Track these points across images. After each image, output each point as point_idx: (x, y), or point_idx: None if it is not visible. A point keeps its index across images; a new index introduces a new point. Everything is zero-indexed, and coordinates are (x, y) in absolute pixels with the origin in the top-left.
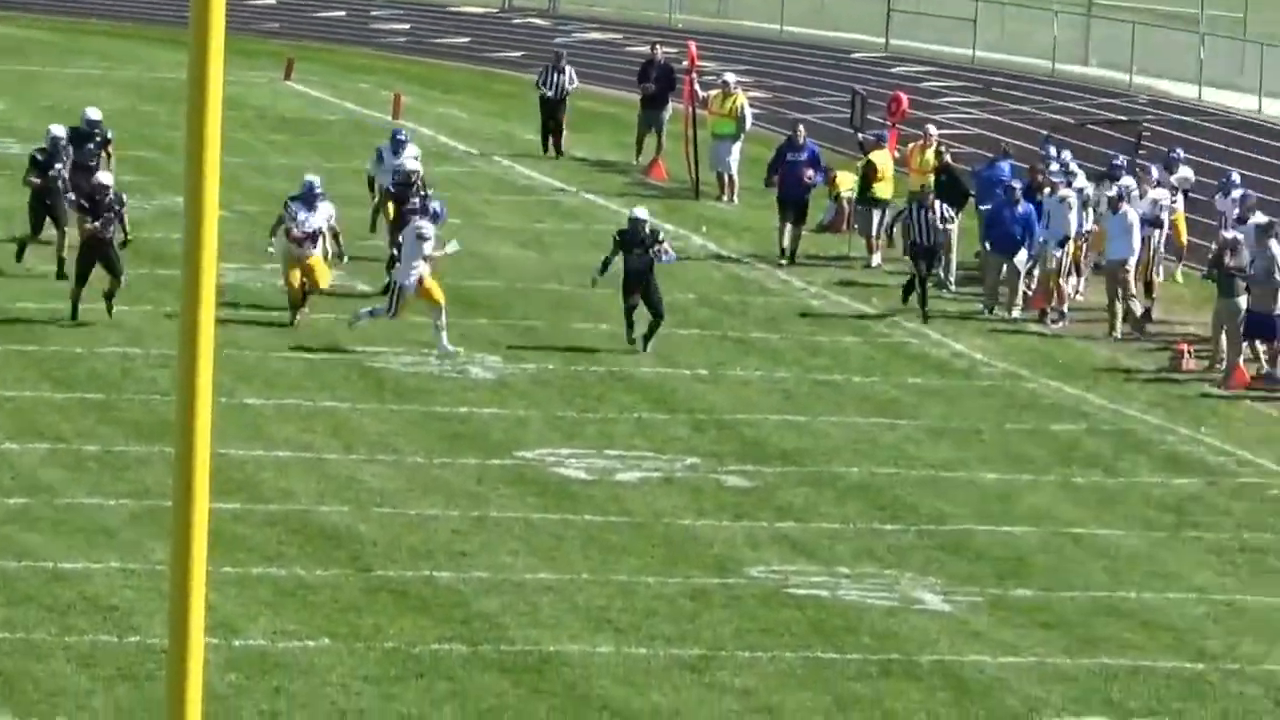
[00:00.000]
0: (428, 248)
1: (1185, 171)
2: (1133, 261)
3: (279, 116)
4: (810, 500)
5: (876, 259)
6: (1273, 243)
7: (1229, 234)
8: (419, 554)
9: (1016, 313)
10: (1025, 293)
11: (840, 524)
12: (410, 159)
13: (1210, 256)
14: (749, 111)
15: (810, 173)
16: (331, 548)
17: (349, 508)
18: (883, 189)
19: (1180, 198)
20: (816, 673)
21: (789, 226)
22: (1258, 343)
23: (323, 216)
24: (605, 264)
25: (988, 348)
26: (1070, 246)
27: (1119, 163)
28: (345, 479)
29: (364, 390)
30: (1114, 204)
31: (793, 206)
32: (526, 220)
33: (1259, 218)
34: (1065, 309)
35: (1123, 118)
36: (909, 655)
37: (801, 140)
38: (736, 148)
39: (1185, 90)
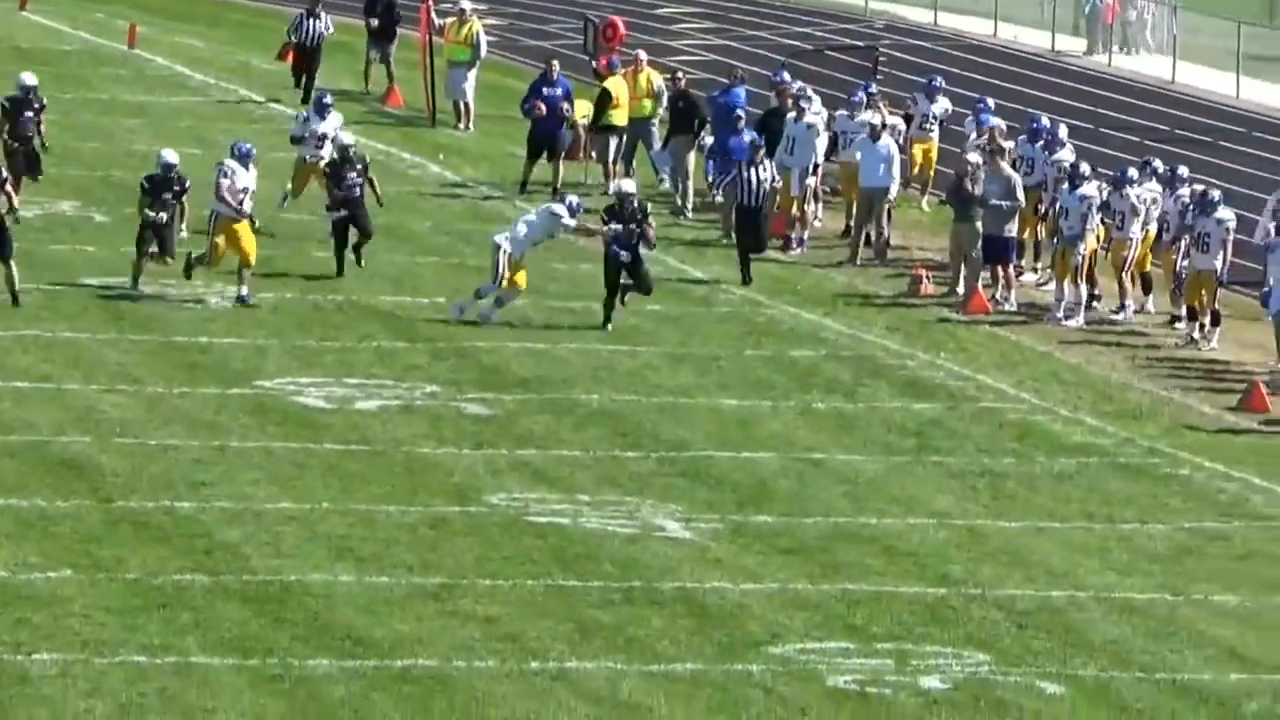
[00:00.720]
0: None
1: (945, 102)
2: (895, 191)
3: (15, 47)
4: (550, 428)
5: (613, 185)
6: (1005, 165)
7: (970, 158)
8: (160, 484)
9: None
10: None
11: (580, 451)
12: (336, 127)
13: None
14: (484, 39)
15: (566, 106)
16: (72, 478)
17: (89, 438)
18: (618, 115)
19: (937, 127)
20: (558, 600)
21: (542, 161)
22: (998, 268)
23: (253, 177)
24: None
25: (725, 274)
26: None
27: (872, 91)
28: (85, 409)
29: (103, 321)
30: (875, 133)
31: (547, 141)
32: (264, 149)
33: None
34: (805, 236)
35: (859, 44)
36: (650, 582)
37: (555, 76)
38: (472, 75)
39: (921, 15)
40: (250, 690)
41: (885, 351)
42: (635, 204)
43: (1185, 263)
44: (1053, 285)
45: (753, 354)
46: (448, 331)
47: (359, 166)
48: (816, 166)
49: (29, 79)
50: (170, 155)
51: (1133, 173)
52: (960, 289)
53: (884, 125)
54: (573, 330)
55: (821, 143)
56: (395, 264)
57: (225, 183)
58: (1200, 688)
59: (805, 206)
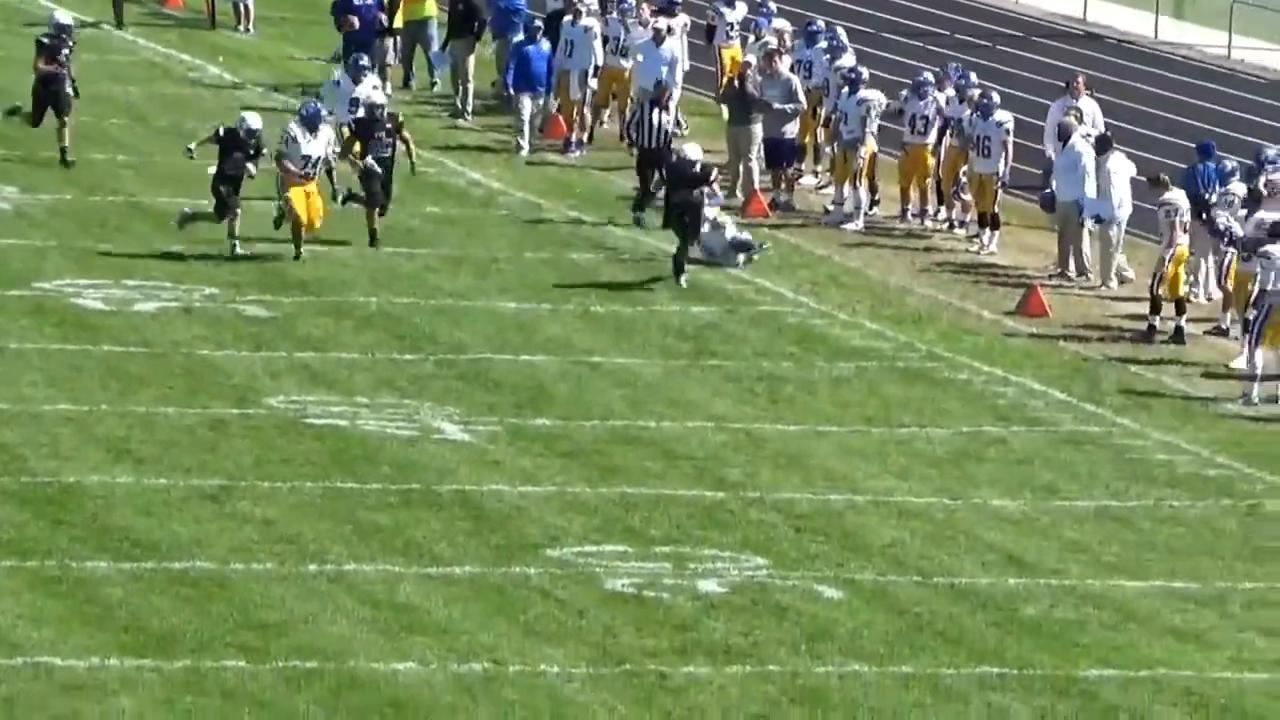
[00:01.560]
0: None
1: (743, 8)
2: (678, 94)
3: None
4: (329, 330)
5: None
6: (783, 68)
7: (749, 59)
8: None
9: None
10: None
11: (359, 354)
12: (372, 89)
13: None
14: None
15: (382, 16)
16: None
17: None
18: (418, 10)
19: (738, 33)
20: (337, 502)
21: None
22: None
23: (323, 142)
24: (644, 204)
25: (505, 177)
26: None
27: None
28: None
29: None
30: (659, 37)
31: (362, 48)
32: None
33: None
34: (586, 138)
35: None
36: (429, 485)
37: None
38: None
39: None
40: (29, 592)
41: (664, 255)
42: (699, 169)
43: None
44: (832, 189)
45: (532, 256)
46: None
47: (388, 126)
48: (597, 69)
49: (62, 18)
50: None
51: (928, 76)
52: (739, 192)
53: (668, 30)
54: (352, 233)
55: (599, 45)
56: (174, 165)
57: (288, 150)
58: (978, 591)
59: (585, 110)
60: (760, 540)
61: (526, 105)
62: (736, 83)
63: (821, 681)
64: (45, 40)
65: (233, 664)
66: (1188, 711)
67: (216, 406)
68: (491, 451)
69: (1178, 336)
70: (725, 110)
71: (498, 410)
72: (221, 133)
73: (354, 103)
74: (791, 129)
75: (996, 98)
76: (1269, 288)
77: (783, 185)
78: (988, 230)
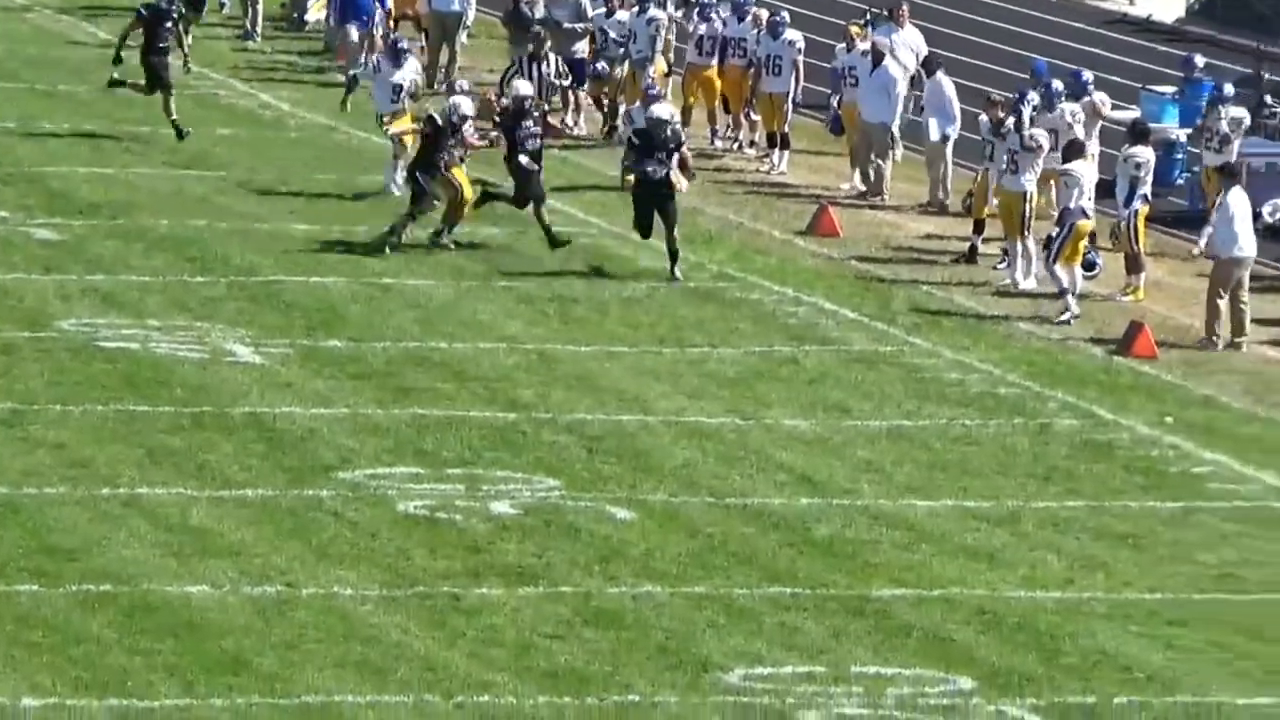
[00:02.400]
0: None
1: None
2: (471, 16)
3: None
4: (119, 253)
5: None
6: None
7: None
8: None
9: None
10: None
11: (150, 276)
12: (413, 73)
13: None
14: None
15: None
16: None
17: None
18: None
19: None
20: (129, 425)
21: None
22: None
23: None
24: (626, 171)
25: (296, 98)
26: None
27: None
28: None
29: None
30: None
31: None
32: None
33: None
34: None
35: None
36: (221, 408)
37: None
38: None
39: None
40: None
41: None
42: (669, 131)
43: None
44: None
45: (323, 178)
46: (16, 156)
47: (535, 115)
48: None
49: None
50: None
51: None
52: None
53: None
54: (142, 155)
55: None
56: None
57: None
58: (770, 512)
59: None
60: (552, 461)
61: (353, 33)
62: (512, 3)
63: (614, 602)
64: (144, 12)
65: (26, 588)
66: (980, 629)
67: (7, 330)
68: (283, 373)
69: (971, 256)
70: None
71: (289, 332)
72: (439, 122)
73: (396, 90)
74: (582, 48)
75: (786, 17)
76: (1070, 205)
77: (573, 106)
78: (778, 150)
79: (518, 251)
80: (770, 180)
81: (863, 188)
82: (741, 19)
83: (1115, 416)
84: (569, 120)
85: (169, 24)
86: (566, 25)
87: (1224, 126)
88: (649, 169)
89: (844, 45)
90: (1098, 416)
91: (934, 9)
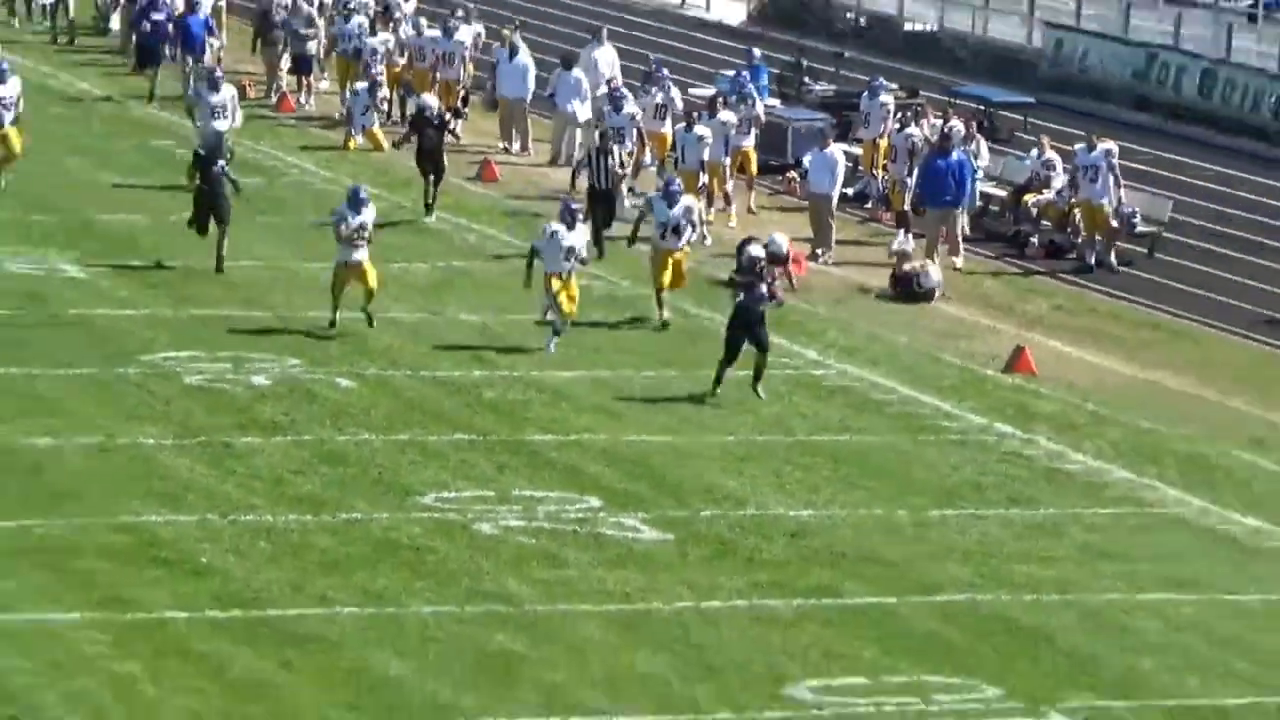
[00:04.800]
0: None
1: None
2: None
3: None
4: None
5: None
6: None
7: None
8: None
9: None
10: None
11: (5, 213)
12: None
13: None
14: None
15: None
16: None
17: None
18: None
19: None
20: None
21: None
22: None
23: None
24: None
25: (105, 87)
26: None
27: None
28: None
29: None
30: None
31: None
32: None
33: None
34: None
35: None
36: (54, 311)
37: None
38: None
39: None
40: None
41: None
42: (760, 267)
43: None
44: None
45: (124, 143)
46: None
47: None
48: None
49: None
50: None
51: None
52: (273, 95)
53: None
54: None
55: None
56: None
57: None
58: (452, 381)
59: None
60: (296, 346)
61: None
62: (260, 13)
63: (341, 447)
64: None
65: None
66: (606, 464)
67: None
68: (101, 285)
69: None
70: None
71: (104, 256)
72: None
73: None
74: (312, 47)
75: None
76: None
77: (305, 89)
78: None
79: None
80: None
81: (516, 148)
82: None
83: (699, 310)
84: (302, 99)
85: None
86: (301, 31)
87: (757, 110)
88: (748, 301)
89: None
90: (686, 312)
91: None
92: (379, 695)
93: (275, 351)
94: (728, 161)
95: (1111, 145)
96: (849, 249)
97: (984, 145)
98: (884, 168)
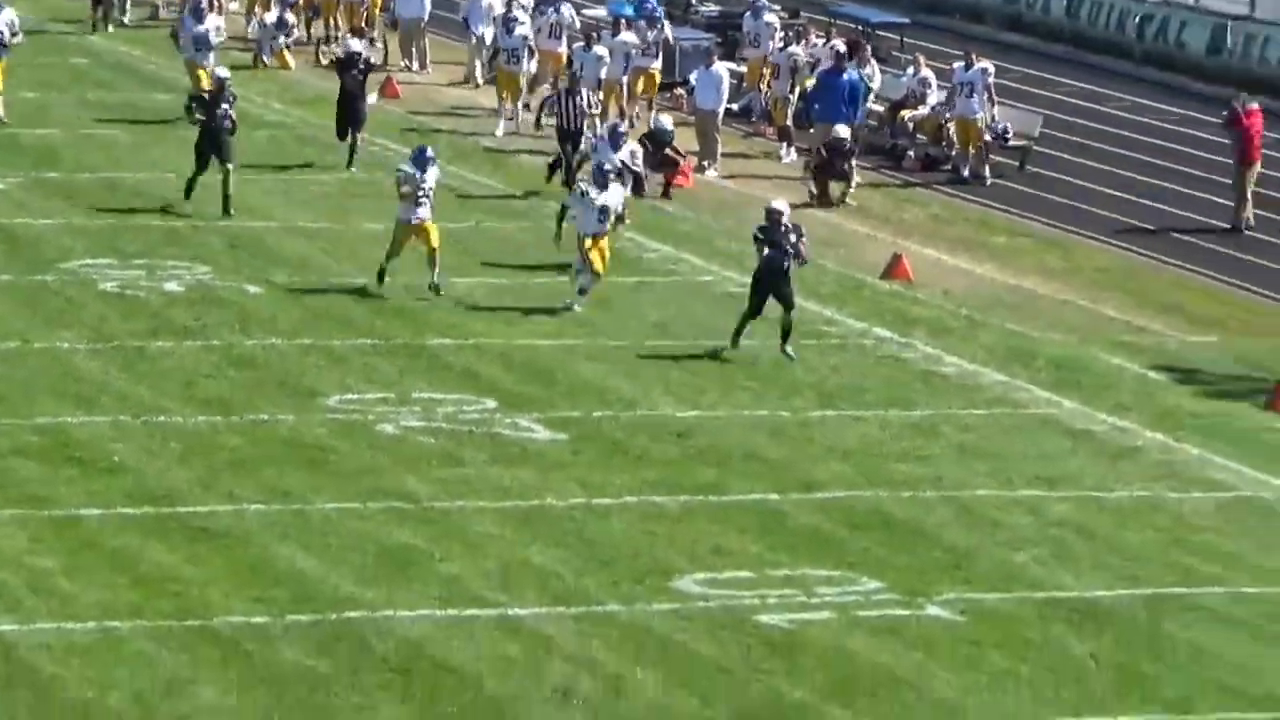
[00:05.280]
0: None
1: None
2: None
3: None
4: None
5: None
6: None
7: None
8: None
9: None
10: None
11: None
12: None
13: None
14: None
15: None
16: None
17: None
18: None
19: None
20: None
21: None
22: None
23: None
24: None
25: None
26: None
27: None
28: None
29: None
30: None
31: None
32: None
33: None
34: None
35: None
36: None
37: None
38: None
39: None
40: None
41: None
42: (786, 223)
43: None
44: None
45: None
46: None
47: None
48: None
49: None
50: None
51: None
52: None
53: None
54: None
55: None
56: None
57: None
58: (357, 288)
59: None
60: (206, 255)
61: None
62: None
63: (250, 351)
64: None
65: None
66: (503, 368)
67: None
68: (18, 196)
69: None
70: None
71: (20, 169)
72: None
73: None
74: None
75: None
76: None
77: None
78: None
79: None
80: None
81: (416, 67)
82: None
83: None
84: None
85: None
86: None
87: (665, 33)
88: (772, 256)
89: None
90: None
91: None
92: (284, 587)
93: (187, 259)
94: (626, 80)
95: (988, 64)
96: (734, 162)
97: (877, 68)
98: (768, 85)
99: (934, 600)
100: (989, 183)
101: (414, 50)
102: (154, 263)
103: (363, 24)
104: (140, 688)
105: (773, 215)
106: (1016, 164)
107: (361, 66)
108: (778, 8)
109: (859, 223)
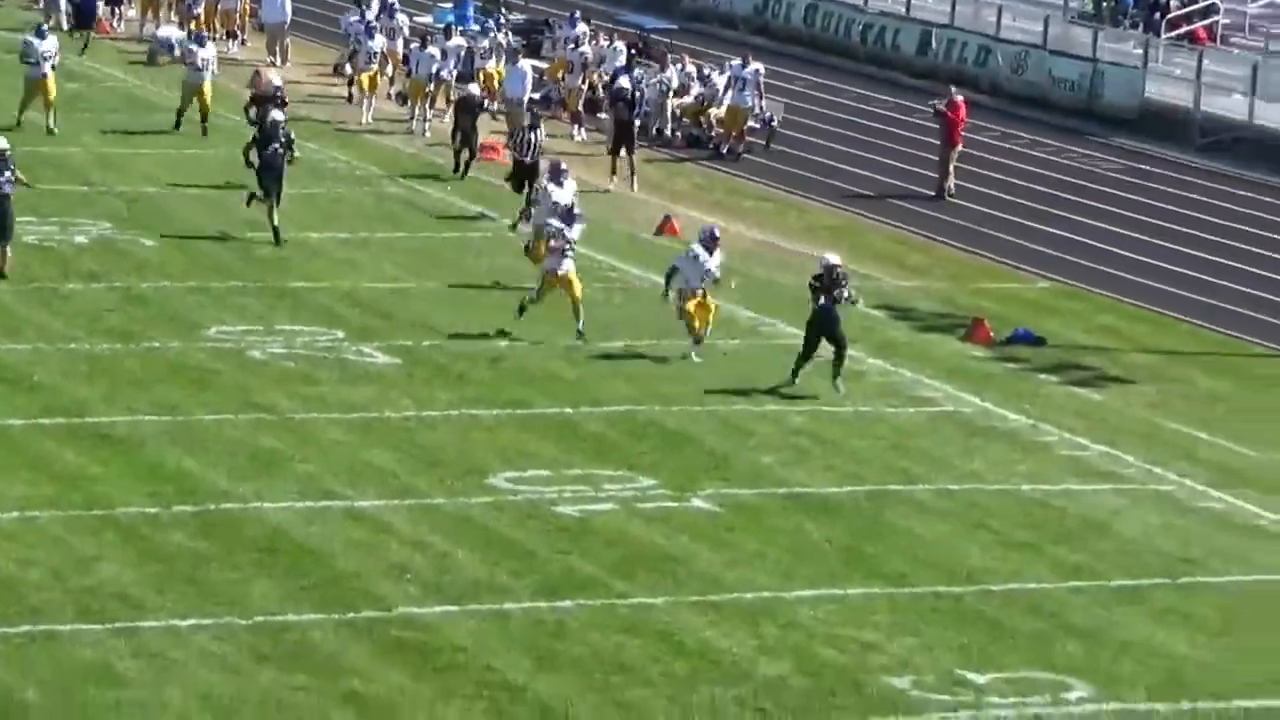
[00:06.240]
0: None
1: None
2: None
3: None
4: None
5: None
6: None
7: None
8: None
9: None
10: None
11: None
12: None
13: None
14: None
15: None
16: None
17: None
18: None
19: None
20: None
21: None
22: None
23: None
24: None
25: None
26: None
27: None
28: None
29: None
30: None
31: None
32: None
33: None
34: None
35: None
36: None
37: None
38: None
39: None
40: None
41: None
42: (838, 274)
43: None
44: None
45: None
46: None
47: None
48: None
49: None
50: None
51: None
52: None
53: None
54: None
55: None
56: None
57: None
58: (244, 239)
59: None
60: (110, 213)
61: None
62: None
63: (146, 293)
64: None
65: None
66: (349, 306)
67: None
68: None
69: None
70: None
71: None
72: None
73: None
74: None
75: None
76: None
77: (116, 16)
78: (227, 38)
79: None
80: (232, 55)
81: (280, 63)
82: None
83: (423, 187)
84: (114, 25)
85: None
86: None
87: (499, 39)
88: (826, 306)
89: None
90: (414, 187)
91: None
92: (174, 484)
93: (93, 218)
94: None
95: (760, 66)
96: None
97: (674, 71)
98: (561, 78)
99: (698, 495)
100: (740, 158)
101: (277, 49)
102: (67, 220)
103: (234, 27)
104: (55, 565)
105: (827, 267)
106: (764, 143)
107: (284, 140)
108: (588, 19)
109: (638, 190)
